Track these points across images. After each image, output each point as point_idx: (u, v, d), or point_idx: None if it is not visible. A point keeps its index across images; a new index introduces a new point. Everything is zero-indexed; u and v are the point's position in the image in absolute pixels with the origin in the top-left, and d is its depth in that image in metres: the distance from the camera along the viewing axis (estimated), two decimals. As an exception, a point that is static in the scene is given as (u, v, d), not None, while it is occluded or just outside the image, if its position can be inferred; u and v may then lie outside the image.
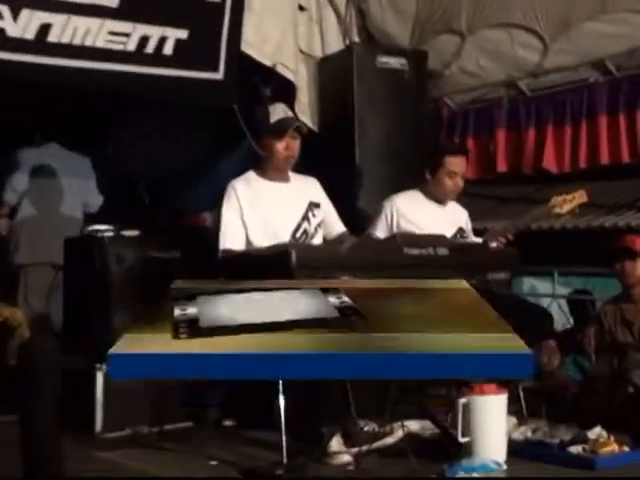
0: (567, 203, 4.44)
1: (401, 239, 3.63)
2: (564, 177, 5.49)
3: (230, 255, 3.79)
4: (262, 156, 3.98)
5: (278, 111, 3.95)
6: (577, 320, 5.63)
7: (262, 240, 3.83)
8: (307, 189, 4.08)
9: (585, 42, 5.30)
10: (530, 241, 4.59)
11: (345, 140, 5.50)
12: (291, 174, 4.08)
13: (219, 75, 5.29)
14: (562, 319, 5.61)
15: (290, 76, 5.74)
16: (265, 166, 4.00)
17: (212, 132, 5.93)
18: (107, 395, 4.05)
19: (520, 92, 5.77)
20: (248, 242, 3.86)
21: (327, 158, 5.37)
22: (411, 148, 5.53)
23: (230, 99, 5.37)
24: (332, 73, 5.77)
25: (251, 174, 4.02)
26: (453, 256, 3.66)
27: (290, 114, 4.02)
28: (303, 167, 4.16)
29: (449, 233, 4.38)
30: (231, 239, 3.83)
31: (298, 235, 3.93)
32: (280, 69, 5.68)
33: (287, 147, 3.93)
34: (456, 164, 4.45)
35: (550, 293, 5.74)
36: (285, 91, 5.61)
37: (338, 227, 4.13)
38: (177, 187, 5.96)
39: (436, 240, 3.76)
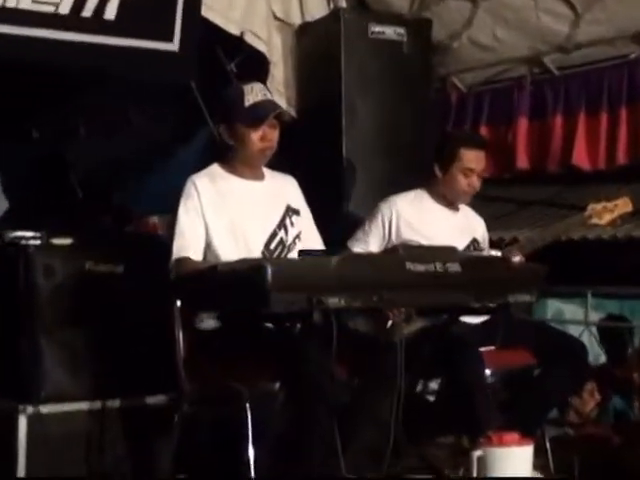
0: (607, 212, 4.42)
1: (403, 251, 3.57)
2: (598, 176, 5.48)
3: (187, 268, 3.71)
4: (231, 147, 3.91)
5: (255, 92, 3.87)
6: (610, 352, 5.61)
7: (230, 250, 3.75)
8: (285, 190, 4.01)
9: (624, 10, 5.26)
10: (556, 253, 4.57)
11: (329, 127, 5.44)
12: (265, 170, 4.01)
13: (174, 46, 5.23)
14: (594, 351, 5.60)
15: (261, 47, 5.69)
16: (234, 159, 3.92)
17: (165, 116, 5.88)
18: (32, 444, 3.97)
19: (546, 70, 5.74)
20: (212, 252, 3.79)
21: (307, 150, 5.34)
22: (412, 138, 5.49)
23: (187, 75, 5.31)
24: (313, 44, 5.72)
25: (216, 168, 3.94)
26: (467, 273, 3.60)
27: (269, 97, 3.95)
28: (276, 162, 4.10)
29: (461, 244, 4.34)
30: (189, 246, 3.75)
31: (272, 246, 3.85)
32: (249, 38, 5.63)
33: (264, 137, 3.85)
34: (474, 159, 4.41)
35: (580, 319, 5.72)
36: (255, 66, 5.56)
37: (314, 244, 4.06)
38: (121, 182, 5.90)
39: (446, 253, 3.70)
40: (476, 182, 4.44)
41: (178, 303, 3.68)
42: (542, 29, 5.58)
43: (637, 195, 4.86)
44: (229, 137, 3.89)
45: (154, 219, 4.83)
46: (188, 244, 3.77)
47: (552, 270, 3.89)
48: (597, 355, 5.60)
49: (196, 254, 3.77)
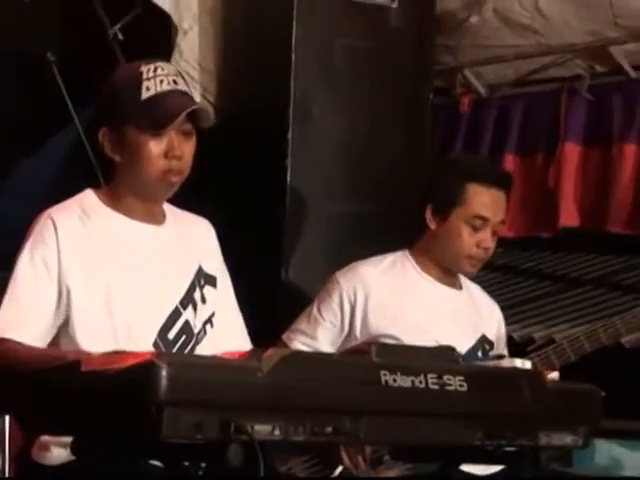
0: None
1: (379, 355, 3.61)
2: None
3: (16, 358, 3.70)
4: (115, 164, 3.94)
5: (160, 77, 3.89)
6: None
7: (101, 337, 3.76)
8: (197, 243, 4.04)
9: None
10: (612, 365, 4.75)
11: (267, 142, 5.55)
12: (167, 208, 4.03)
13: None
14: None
15: (164, 3, 5.78)
16: (120, 186, 3.95)
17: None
18: None
19: (615, 69, 5.90)
20: (71, 339, 3.80)
21: (228, 177, 5.45)
22: (397, 167, 5.61)
23: (42, 40, 5.44)
24: (250, 4, 5.85)
25: (89, 199, 3.92)
26: (474, 395, 3.65)
27: (182, 87, 3.95)
28: (182, 193, 4.13)
29: (465, 344, 4.43)
30: (22, 322, 3.72)
31: (172, 334, 3.86)
32: (144, -11, 5.76)
33: (170, 151, 3.84)
34: (490, 203, 4.51)
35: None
36: (152, 33, 5.69)
37: (235, 334, 4.14)
38: None
39: (443, 360, 3.75)
40: (490, 241, 4.52)
41: (7, 419, 3.69)
42: (615, 3, 5.70)
43: None
44: (113, 149, 3.90)
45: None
46: (21, 318, 3.75)
47: (605, 393, 3.97)
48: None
49: (32, 337, 3.76)
